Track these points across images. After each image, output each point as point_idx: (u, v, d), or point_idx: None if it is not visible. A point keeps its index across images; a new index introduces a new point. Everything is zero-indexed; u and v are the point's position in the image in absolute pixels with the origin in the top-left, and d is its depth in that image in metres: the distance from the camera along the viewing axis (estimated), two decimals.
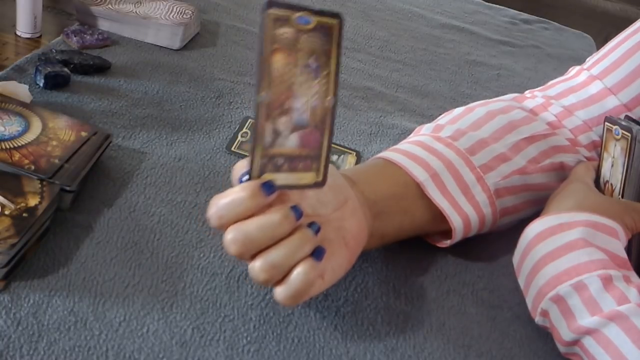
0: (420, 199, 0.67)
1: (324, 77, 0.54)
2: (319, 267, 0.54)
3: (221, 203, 0.53)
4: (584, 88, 0.79)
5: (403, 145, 0.71)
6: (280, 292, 0.54)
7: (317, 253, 0.54)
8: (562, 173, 0.74)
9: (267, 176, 0.53)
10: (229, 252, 0.53)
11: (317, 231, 0.55)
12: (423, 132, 0.74)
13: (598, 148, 0.75)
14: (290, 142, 0.53)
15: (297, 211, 0.54)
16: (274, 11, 0.51)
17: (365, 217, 0.61)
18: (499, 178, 0.70)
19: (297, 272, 0.53)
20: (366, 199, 0.63)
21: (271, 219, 0.53)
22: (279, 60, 0.51)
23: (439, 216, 0.67)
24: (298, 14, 0.51)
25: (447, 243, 0.69)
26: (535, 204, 0.72)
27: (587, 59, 0.82)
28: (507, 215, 0.72)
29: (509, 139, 0.72)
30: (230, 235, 0.53)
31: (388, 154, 0.70)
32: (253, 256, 0.54)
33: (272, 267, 0.53)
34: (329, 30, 0.53)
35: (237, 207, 0.52)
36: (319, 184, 0.56)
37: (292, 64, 0.52)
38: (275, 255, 0.53)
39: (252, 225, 0.52)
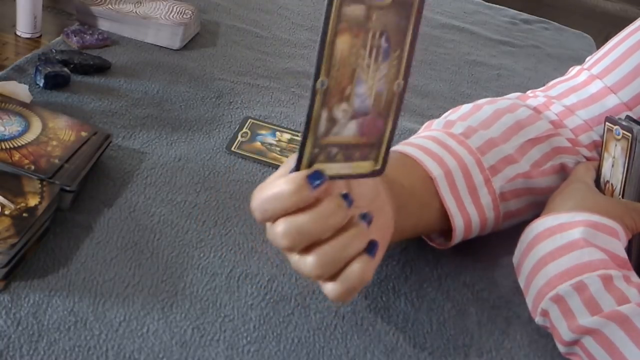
0: (435, 194, 0.66)
1: (395, 58, 0.49)
2: (374, 262, 0.53)
3: (265, 196, 0.50)
4: (584, 87, 0.78)
5: (416, 139, 0.70)
6: (333, 289, 0.52)
7: (371, 248, 0.52)
8: (562, 175, 0.74)
9: (318, 166, 0.49)
10: (278, 245, 0.51)
11: (370, 222, 0.52)
12: (434, 128, 0.74)
13: (599, 148, 0.75)
14: (348, 131, 0.49)
15: (348, 199, 0.51)
16: None
17: (391, 211, 0.60)
18: (504, 181, 0.69)
19: (353, 269, 0.51)
20: (391, 192, 0.62)
21: (325, 209, 0.50)
22: (344, 42, 0.46)
23: (445, 215, 0.67)
24: None
25: (447, 244, 0.69)
26: (536, 207, 0.72)
27: (587, 59, 0.82)
28: (509, 218, 0.72)
29: (516, 140, 0.72)
30: (281, 228, 0.50)
31: (403, 147, 0.69)
32: (304, 249, 0.51)
33: (326, 262, 0.51)
34: (409, 5, 0.47)
35: (283, 201, 0.50)
36: (377, 172, 0.52)
37: (359, 46, 0.47)
38: (330, 250, 0.51)
39: (306, 217, 0.50)
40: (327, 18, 0.45)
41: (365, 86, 0.49)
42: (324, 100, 0.47)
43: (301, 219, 0.50)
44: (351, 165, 0.51)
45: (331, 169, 0.50)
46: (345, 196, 0.51)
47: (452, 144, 0.69)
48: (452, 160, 0.67)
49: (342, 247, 0.51)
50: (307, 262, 0.51)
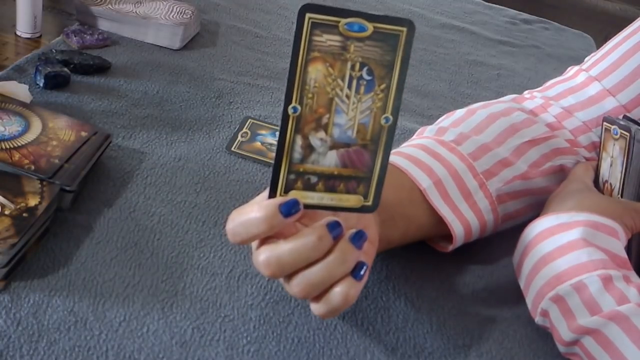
0: (425, 203, 0.66)
1: (381, 91, 0.48)
2: (360, 285, 0.52)
3: (237, 220, 0.50)
4: (582, 89, 0.79)
5: (406, 148, 0.70)
6: (317, 308, 0.52)
7: (358, 270, 0.52)
8: (561, 175, 0.74)
9: (295, 194, 0.49)
10: (261, 272, 0.51)
11: (364, 242, 0.52)
12: (426, 135, 0.74)
13: (598, 149, 0.75)
14: (329, 160, 0.49)
15: (336, 230, 0.50)
16: (314, 15, 0.45)
17: (376, 224, 0.60)
18: (501, 184, 0.69)
19: (336, 292, 0.51)
20: None
21: (304, 242, 0.49)
22: (317, 71, 0.46)
23: (442, 222, 0.67)
24: (347, 20, 0.46)
25: (448, 248, 0.69)
26: (536, 207, 0.72)
27: (586, 59, 0.82)
28: (509, 220, 0.72)
29: (511, 142, 0.72)
30: (262, 257, 0.50)
31: (392, 157, 0.69)
32: (289, 275, 0.51)
33: (310, 287, 0.51)
34: (393, 39, 0.47)
35: (252, 227, 0.50)
36: (369, 209, 0.51)
37: (335, 75, 0.47)
38: (312, 276, 0.51)
39: (286, 248, 0.50)
40: (296, 45, 0.45)
41: (346, 117, 0.48)
42: (297, 126, 0.47)
43: (281, 249, 0.50)
44: (337, 196, 0.50)
45: (311, 197, 0.50)
46: (333, 226, 0.50)
47: (442, 152, 0.69)
48: (442, 169, 0.67)
49: (326, 273, 0.51)
50: (291, 286, 0.52)
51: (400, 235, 0.66)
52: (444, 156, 0.68)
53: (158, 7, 0.98)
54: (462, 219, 0.67)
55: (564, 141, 0.76)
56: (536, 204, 0.72)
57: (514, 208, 0.71)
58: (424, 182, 0.66)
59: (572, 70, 0.83)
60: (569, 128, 0.77)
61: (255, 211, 0.50)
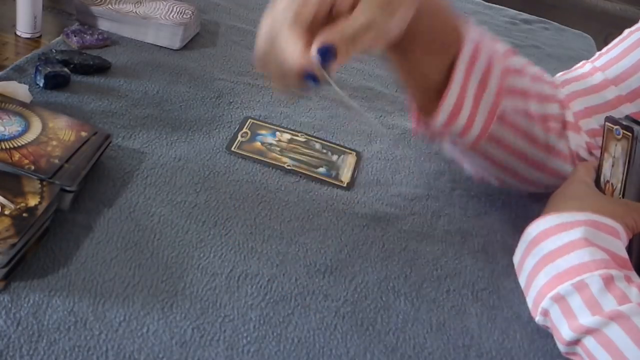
0: (449, 59, 0.68)
1: None
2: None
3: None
4: (586, 78, 0.80)
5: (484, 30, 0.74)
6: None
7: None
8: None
9: None
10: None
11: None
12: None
13: (597, 137, 0.75)
14: None
15: None
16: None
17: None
18: (511, 108, 0.72)
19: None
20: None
21: None
22: None
23: (443, 84, 0.68)
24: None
25: (427, 120, 0.70)
26: (526, 137, 0.75)
27: (597, 54, 0.84)
28: (496, 141, 0.74)
29: (539, 87, 0.77)
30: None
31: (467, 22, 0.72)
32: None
33: None
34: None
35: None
36: None
37: None
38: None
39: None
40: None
41: None
42: None
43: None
44: None
45: None
46: None
47: (499, 47, 0.72)
48: (486, 54, 0.69)
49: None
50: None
51: (425, 38, 0.67)
52: (499, 50, 0.72)
53: (158, 7, 0.98)
54: (461, 97, 0.68)
55: (571, 115, 0.78)
56: (524, 132, 0.75)
57: (506, 136, 0.74)
58: (467, 49, 0.68)
59: (580, 63, 0.84)
60: (572, 110, 0.78)
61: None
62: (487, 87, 0.69)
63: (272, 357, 0.56)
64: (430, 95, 0.70)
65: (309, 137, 0.85)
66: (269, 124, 0.85)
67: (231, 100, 0.88)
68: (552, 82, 0.80)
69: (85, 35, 0.91)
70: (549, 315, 0.60)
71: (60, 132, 0.68)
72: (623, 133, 0.67)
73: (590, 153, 0.76)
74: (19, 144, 0.64)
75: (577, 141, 0.76)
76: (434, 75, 0.69)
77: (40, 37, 0.94)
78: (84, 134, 0.69)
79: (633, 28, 0.80)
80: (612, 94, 0.76)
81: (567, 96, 0.79)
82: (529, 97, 0.75)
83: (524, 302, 0.64)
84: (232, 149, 0.79)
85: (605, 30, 2.09)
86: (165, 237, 0.65)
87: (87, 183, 0.67)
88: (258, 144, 0.81)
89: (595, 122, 0.77)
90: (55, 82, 0.80)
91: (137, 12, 0.95)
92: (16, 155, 0.63)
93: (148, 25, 0.95)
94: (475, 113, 0.69)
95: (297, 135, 0.84)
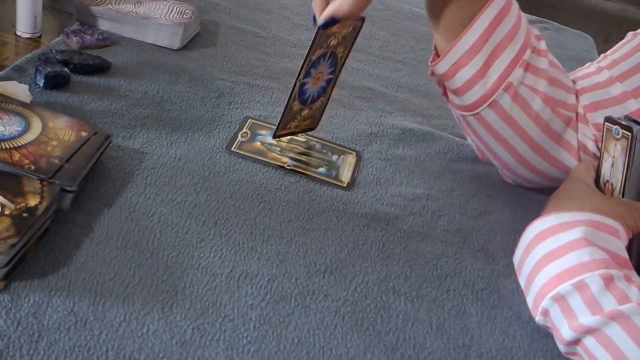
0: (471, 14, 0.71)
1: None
2: None
3: None
4: (592, 76, 0.80)
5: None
6: None
7: None
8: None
9: None
10: None
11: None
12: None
13: (601, 132, 0.76)
14: None
15: None
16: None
17: None
18: (518, 81, 0.74)
19: None
20: None
21: None
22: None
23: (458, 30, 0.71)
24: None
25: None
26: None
27: (600, 56, 0.85)
28: (510, 96, 0.75)
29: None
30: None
31: None
32: None
33: None
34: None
35: None
36: None
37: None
38: None
39: None
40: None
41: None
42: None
43: None
44: None
45: None
46: None
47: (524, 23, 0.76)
48: (511, 21, 0.73)
49: None
50: None
51: None
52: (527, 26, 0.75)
53: (158, 7, 0.98)
54: (469, 55, 0.71)
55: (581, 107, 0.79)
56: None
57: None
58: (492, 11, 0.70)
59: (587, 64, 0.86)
60: (581, 103, 0.80)
61: None
62: (505, 50, 0.71)
63: (272, 357, 0.56)
64: (447, 34, 0.72)
65: (309, 137, 0.85)
66: (269, 124, 0.85)
67: (231, 100, 0.88)
68: (567, 75, 0.81)
69: (85, 35, 0.91)
70: (549, 315, 0.60)
71: (61, 132, 0.68)
72: (622, 133, 0.67)
73: (598, 146, 0.78)
74: (19, 144, 0.64)
75: (586, 132, 0.77)
76: (457, 18, 0.71)
77: (40, 37, 0.94)
78: (84, 134, 0.69)
79: (638, 31, 0.81)
80: (618, 90, 0.77)
81: (576, 91, 0.80)
82: (547, 80, 0.75)
83: (524, 302, 0.64)
84: (232, 149, 0.79)
85: (605, 30, 2.09)
86: (165, 237, 0.65)
87: (87, 183, 0.67)
88: (258, 144, 0.81)
89: (600, 116, 0.78)
90: (55, 82, 0.80)
91: (137, 12, 0.95)
92: (16, 155, 0.63)
93: (148, 25, 0.95)
94: (483, 75, 0.71)
95: (297, 135, 0.84)
